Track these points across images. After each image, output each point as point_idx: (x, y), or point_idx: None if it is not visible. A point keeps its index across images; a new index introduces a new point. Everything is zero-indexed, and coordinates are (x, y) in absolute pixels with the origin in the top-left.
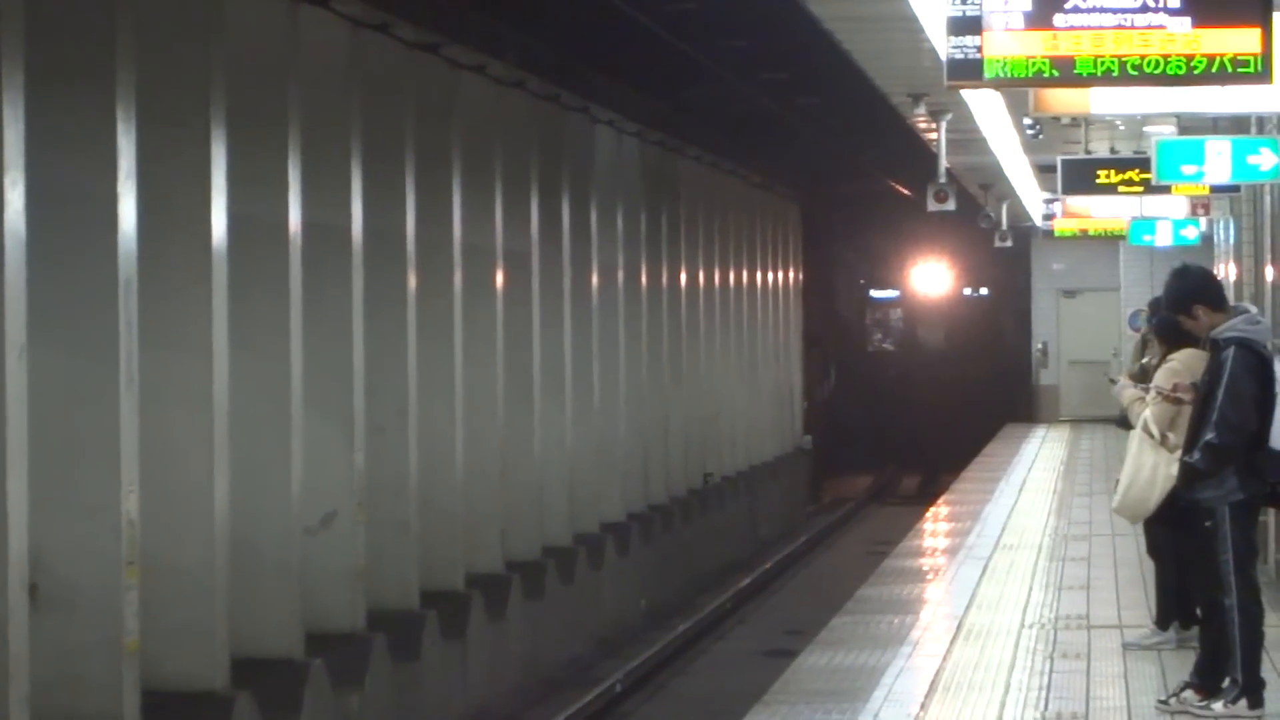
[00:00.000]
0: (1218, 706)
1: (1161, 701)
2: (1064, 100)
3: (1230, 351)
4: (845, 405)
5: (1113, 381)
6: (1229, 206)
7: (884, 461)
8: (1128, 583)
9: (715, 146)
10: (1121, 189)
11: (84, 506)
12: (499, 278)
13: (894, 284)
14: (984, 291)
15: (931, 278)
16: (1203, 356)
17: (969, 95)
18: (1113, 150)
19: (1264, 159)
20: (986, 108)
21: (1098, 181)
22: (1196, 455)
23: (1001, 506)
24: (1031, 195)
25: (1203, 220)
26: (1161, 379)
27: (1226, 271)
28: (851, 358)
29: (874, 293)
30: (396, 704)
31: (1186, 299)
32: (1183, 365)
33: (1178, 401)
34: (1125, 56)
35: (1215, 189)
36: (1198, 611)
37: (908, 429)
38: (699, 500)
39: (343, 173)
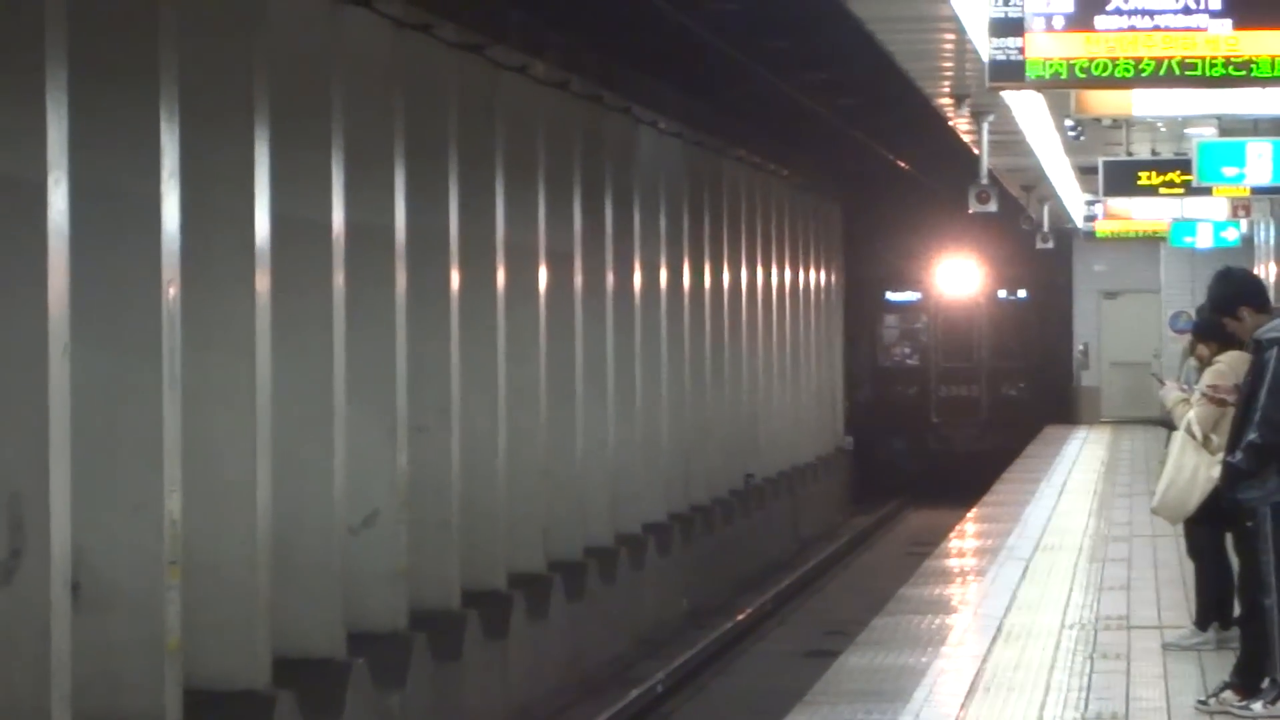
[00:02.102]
0: (1257, 707)
1: (1201, 702)
2: (1105, 102)
3: (1274, 352)
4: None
5: (1161, 382)
6: (1269, 208)
7: (896, 493)
8: (1168, 583)
9: (757, 147)
10: (1163, 190)
11: (126, 505)
12: (542, 277)
13: (915, 284)
14: (1021, 294)
15: (960, 277)
16: (1247, 358)
17: (1011, 97)
18: (1154, 152)
19: None
20: (1028, 109)
21: (1139, 183)
22: (1239, 455)
23: (1042, 508)
24: (1073, 197)
25: (1243, 222)
26: (1207, 380)
27: (1267, 272)
28: (863, 373)
29: (891, 295)
30: (438, 704)
31: (1232, 301)
32: (1229, 367)
33: (1221, 403)
34: (1167, 58)
35: (1256, 191)
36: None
37: (927, 458)
38: (740, 501)
39: (386, 172)
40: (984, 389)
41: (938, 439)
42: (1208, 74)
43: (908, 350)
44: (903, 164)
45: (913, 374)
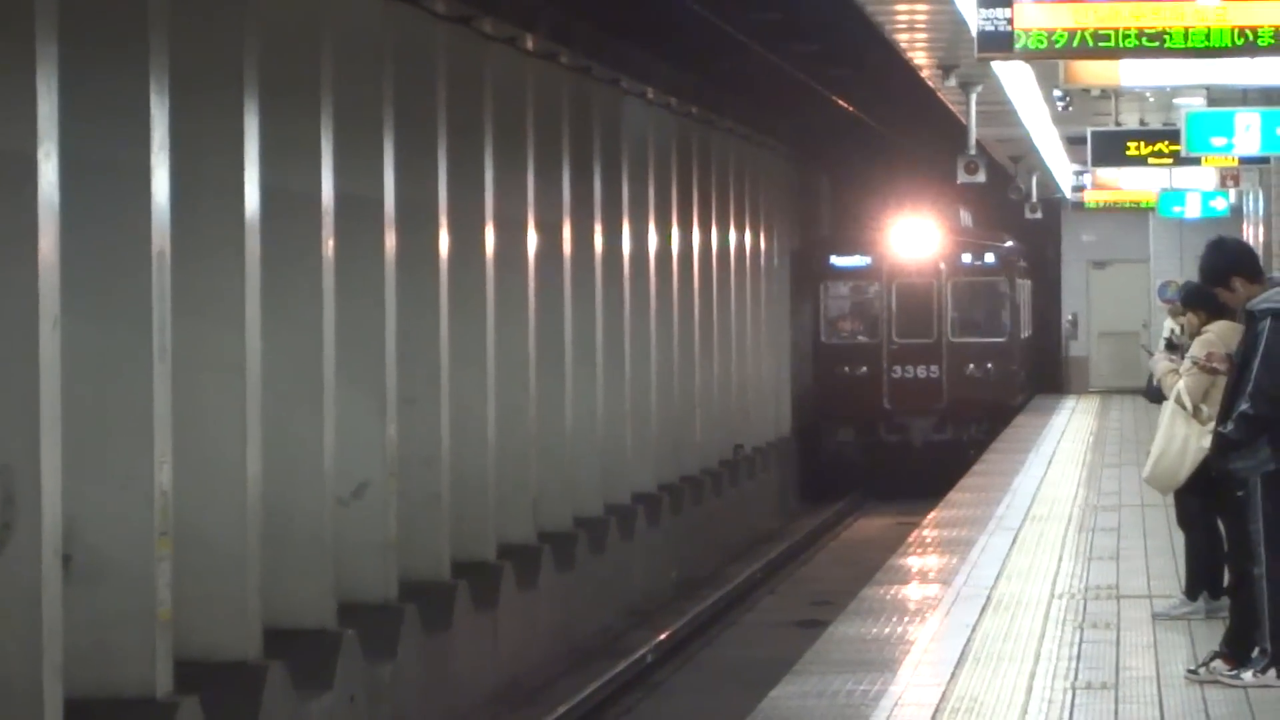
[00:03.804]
0: (1247, 676)
1: (1191, 671)
2: (1094, 72)
3: (1267, 323)
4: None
5: (1150, 353)
6: (1258, 178)
7: (842, 493)
8: (1157, 553)
9: (746, 117)
10: (1151, 161)
11: (117, 477)
12: (531, 249)
13: (863, 247)
14: (989, 259)
15: (918, 238)
16: (1237, 328)
17: (999, 67)
18: (1142, 122)
19: None
20: (1017, 80)
21: (1127, 153)
22: (1230, 425)
23: (1031, 478)
24: (1061, 167)
25: (1232, 191)
26: (1197, 350)
27: (1256, 242)
28: (803, 350)
29: (835, 259)
30: (428, 674)
31: (1224, 271)
32: (1217, 336)
33: (1213, 372)
34: (1155, 28)
35: (1244, 160)
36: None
37: (879, 451)
38: (729, 471)
39: (375, 144)
40: (945, 370)
41: (891, 429)
42: (1196, 44)
43: (856, 324)
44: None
45: (862, 352)
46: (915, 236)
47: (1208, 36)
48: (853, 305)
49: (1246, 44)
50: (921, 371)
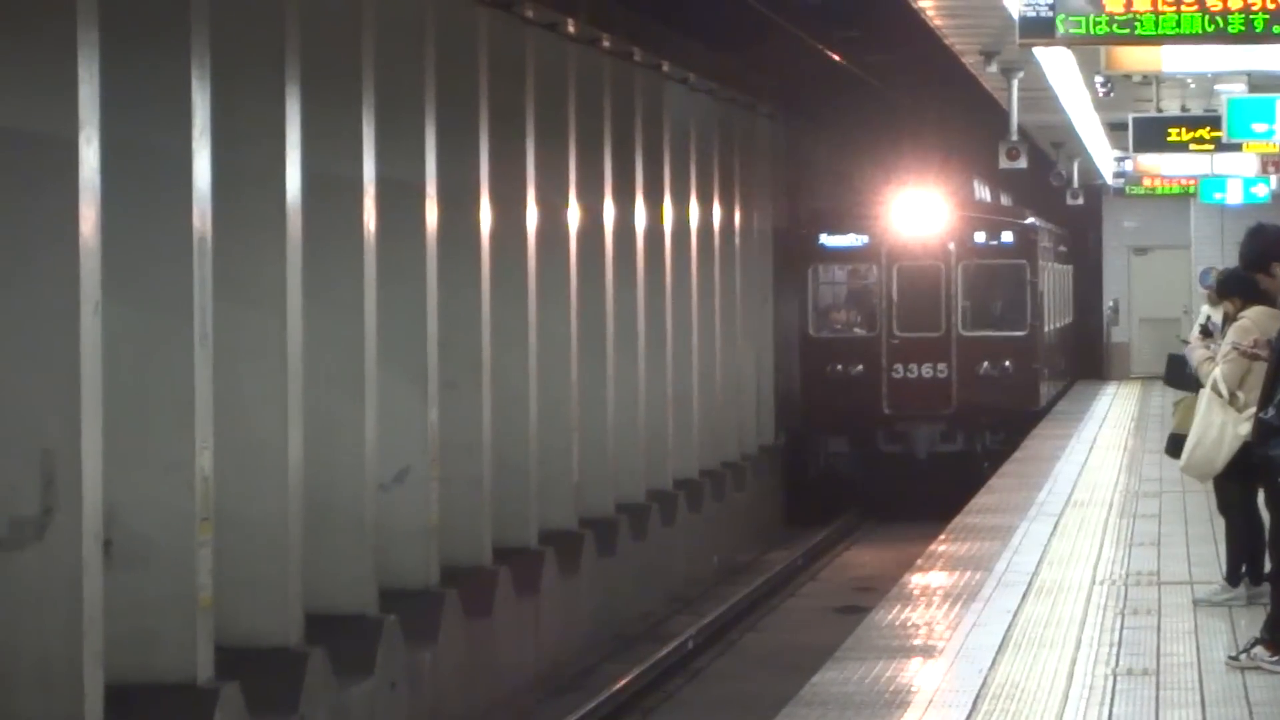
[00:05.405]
0: None
1: (1232, 657)
2: (1135, 58)
3: None
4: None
5: (1185, 342)
6: None
7: (834, 514)
8: (1198, 539)
9: (787, 103)
10: (1192, 147)
11: (158, 462)
12: (572, 234)
13: (859, 224)
14: (1007, 239)
15: (923, 214)
16: (1274, 314)
17: (1041, 53)
18: (1184, 108)
19: None
20: (1058, 65)
21: (1169, 139)
22: (1272, 411)
23: (1072, 464)
24: (1103, 153)
25: (1273, 178)
26: (1233, 336)
27: None
28: (788, 346)
29: (826, 239)
30: (469, 660)
31: (1264, 257)
32: (1253, 322)
33: (1255, 357)
34: (1197, 13)
35: None
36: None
37: (879, 460)
38: (770, 457)
39: (416, 128)
40: (955, 369)
41: (891, 438)
42: (1238, 29)
43: (851, 316)
44: (934, 120)
45: (857, 348)
46: (919, 211)
47: (1249, 22)
48: (846, 293)
49: (1217, 31)
50: (927, 371)
